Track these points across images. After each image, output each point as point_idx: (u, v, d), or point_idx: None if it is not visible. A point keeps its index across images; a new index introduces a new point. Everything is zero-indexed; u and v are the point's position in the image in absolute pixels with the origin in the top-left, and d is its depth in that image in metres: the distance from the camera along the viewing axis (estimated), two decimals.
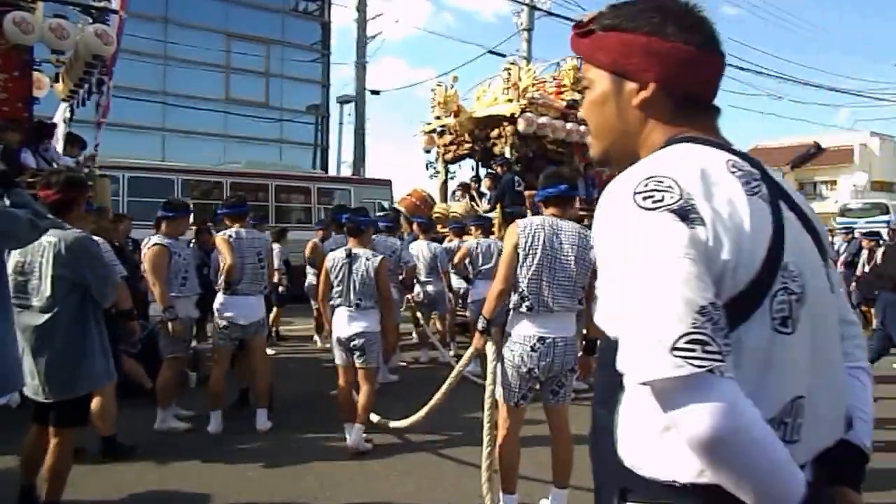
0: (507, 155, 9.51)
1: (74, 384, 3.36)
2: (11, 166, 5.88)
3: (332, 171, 23.27)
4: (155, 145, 21.94)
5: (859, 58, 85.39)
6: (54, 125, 7.98)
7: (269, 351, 6.54)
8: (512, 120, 9.40)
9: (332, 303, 4.75)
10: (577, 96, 10.22)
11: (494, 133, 9.83)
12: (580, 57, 1.21)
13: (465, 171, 12.16)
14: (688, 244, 0.89)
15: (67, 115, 8.49)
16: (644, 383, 0.89)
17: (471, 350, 3.76)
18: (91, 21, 7.00)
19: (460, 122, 10.18)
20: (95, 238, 3.91)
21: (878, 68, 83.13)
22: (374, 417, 4.79)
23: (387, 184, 15.68)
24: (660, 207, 0.92)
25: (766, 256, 0.94)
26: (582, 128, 9.93)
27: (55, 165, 6.62)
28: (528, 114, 9.31)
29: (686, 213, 0.91)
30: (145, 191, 11.55)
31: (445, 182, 11.17)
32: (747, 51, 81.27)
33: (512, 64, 10.11)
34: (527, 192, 9.18)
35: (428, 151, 11.12)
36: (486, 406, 3.63)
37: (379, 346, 4.74)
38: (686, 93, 1.08)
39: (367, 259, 4.65)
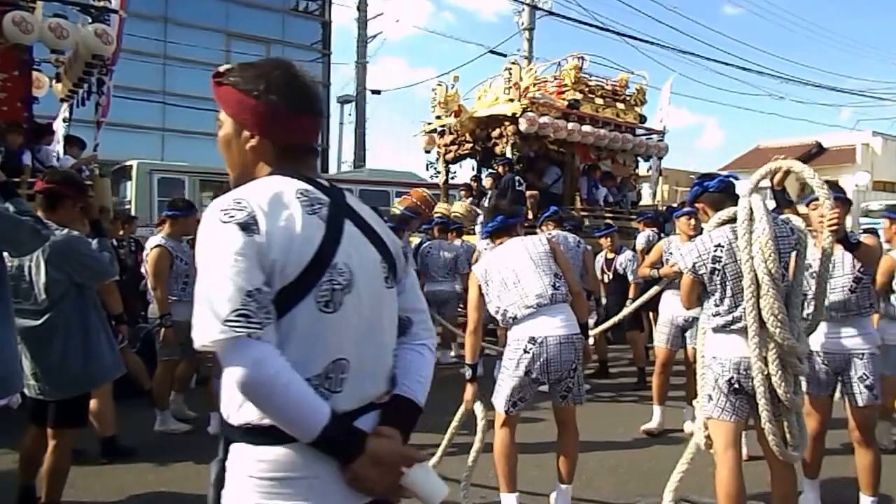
0: (509, 155, 9.47)
1: (89, 378, 3.38)
2: (13, 169, 5.86)
3: (332, 171, 23.25)
4: (154, 145, 21.93)
5: (861, 57, 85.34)
6: (50, 126, 7.95)
7: None
8: (513, 120, 9.36)
9: None
10: (578, 96, 10.21)
11: (495, 133, 9.79)
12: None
13: (465, 171, 12.11)
14: (242, 247, 1.21)
15: (66, 114, 8.46)
16: (204, 346, 1.20)
17: (471, 411, 3.73)
18: (91, 20, 7.00)
19: (461, 122, 10.14)
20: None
21: (880, 68, 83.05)
22: None
23: None
24: (230, 221, 1.23)
25: (313, 257, 1.26)
26: (583, 128, 9.94)
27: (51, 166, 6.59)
28: (530, 113, 9.27)
29: (248, 226, 1.23)
30: None
31: (446, 182, 11.15)
32: (748, 51, 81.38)
33: (513, 63, 10.08)
34: (528, 192, 9.16)
35: (428, 151, 11.10)
36: (479, 428, 3.70)
37: None
38: (285, 142, 1.38)
39: None
